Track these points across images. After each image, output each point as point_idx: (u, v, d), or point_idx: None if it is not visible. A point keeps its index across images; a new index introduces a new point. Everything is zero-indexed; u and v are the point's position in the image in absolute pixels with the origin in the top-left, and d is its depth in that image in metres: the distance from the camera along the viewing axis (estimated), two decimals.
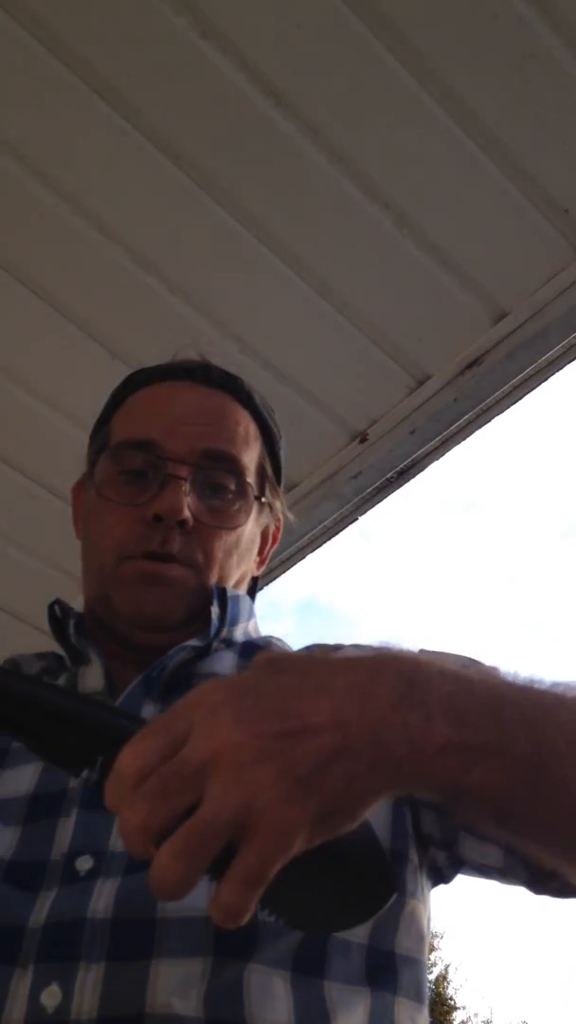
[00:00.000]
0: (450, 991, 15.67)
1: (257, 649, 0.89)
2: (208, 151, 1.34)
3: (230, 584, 0.90)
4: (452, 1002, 15.64)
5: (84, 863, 0.67)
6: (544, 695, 0.55)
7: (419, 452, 1.65)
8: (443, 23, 1.21)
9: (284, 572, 1.91)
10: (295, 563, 1.88)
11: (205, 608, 0.86)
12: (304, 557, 1.86)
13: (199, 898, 0.51)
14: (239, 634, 0.91)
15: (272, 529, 1.00)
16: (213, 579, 0.87)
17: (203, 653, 0.85)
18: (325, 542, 1.84)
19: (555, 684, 0.62)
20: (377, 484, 1.71)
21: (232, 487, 0.89)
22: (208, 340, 1.54)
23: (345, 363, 1.57)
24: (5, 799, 0.75)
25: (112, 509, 0.88)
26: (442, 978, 15.65)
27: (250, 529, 0.92)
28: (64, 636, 0.88)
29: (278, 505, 0.98)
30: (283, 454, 1.02)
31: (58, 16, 1.23)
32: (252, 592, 1.02)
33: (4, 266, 1.48)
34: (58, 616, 0.90)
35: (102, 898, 0.65)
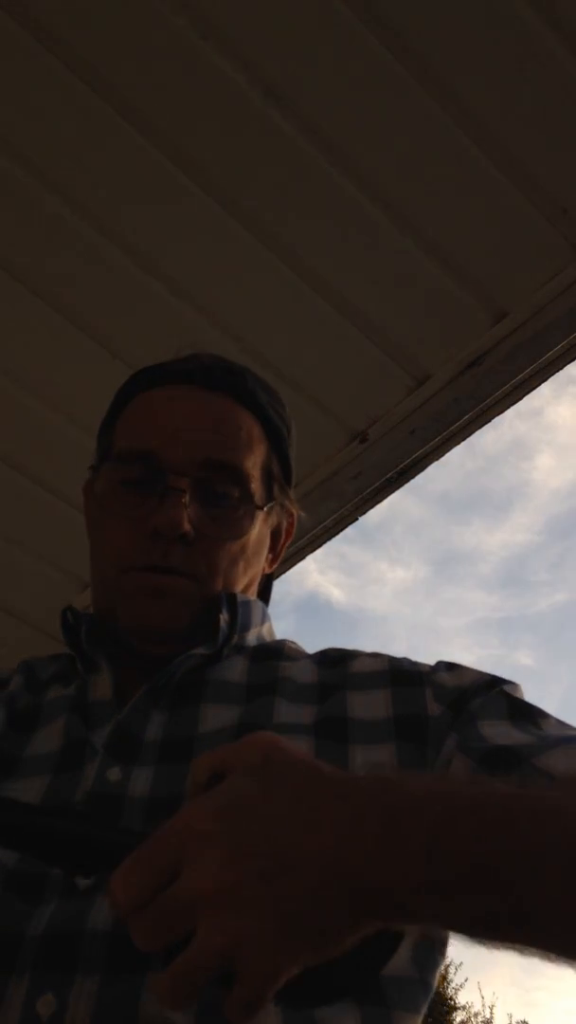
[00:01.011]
0: (450, 991, 15.66)
1: (270, 653, 0.88)
2: (208, 151, 1.34)
3: (237, 590, 0.88)
4: (452, 1002, 15.62)
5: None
6: (540, 806, 0.55)
7: (419, 452, 1.65)
8: (443, 23, 1.21)
9: (284, 572, 1.91)
10: (295, 563, 1.88)
11: (213, 617, 0.85)
12: (304, 557, 1.86)
13: None
14: (251, 639, 0.90)
15: (285, 525, 0.98)
16: (218, 588, 0.86)
17: (213, 660, 0.85)
18: (325, 542, 1.84)
19: (566, 782, 0.62)
20: (377, 484, 1.71)
21: (235, 495, 0.87)
22: (208, 340, 1.54)
23: (345, 363, 1.57)
24: None
25: (114, 520, 0.87)
26: (442, 978, 15.65)
27: (257, 533, 0.90)
28: (77, 642, 0.87)
29: (288, 502, 0.97)
30: (293, 447, 0.99)
31: (58, 16, 1.23)
32: (267, 590, 1.01)
33: (5, 267, 1.48)
34: (71, 622, 0.88)
35: (102, 912, 0.65)
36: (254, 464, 0.89)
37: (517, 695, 0.79)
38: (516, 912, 0.52)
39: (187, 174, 1.36)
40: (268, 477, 0.92)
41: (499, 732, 0.73)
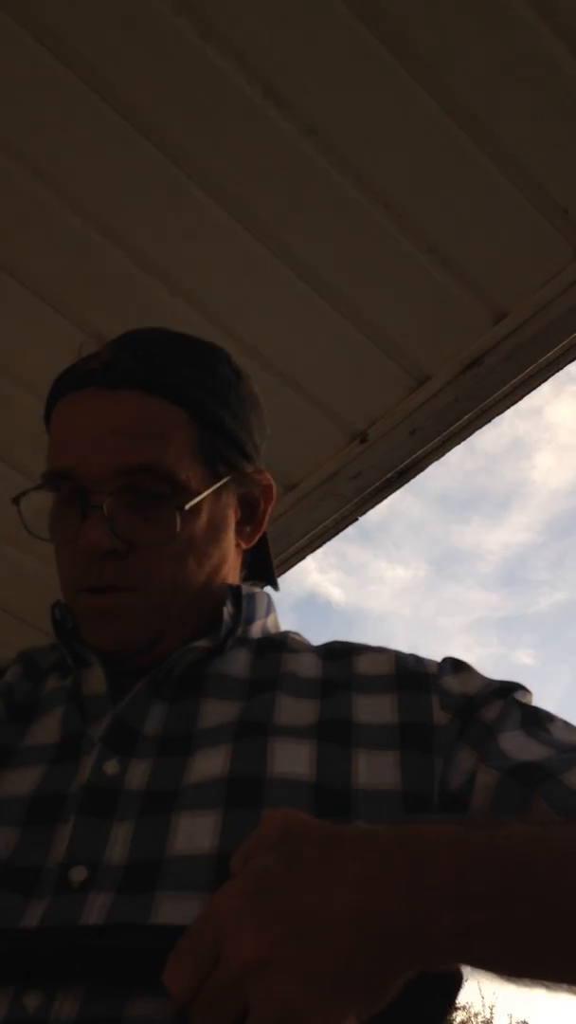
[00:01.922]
0: None
1: (273, 646, 0.88)
2: (208, 151, 1.34)
3: (196, 584, 0.85)
4: None
5: (78, 874, 0.67)
6: (559, 845, 0.57)
7: (419, 452, 1.65)
8: (443, 23, 1.21)
9: (284, 572, 1.91)
10: (295, 563, 1.88)
11: (175, 620, 0.83)
12: (304, 557, 1.86)
13: (183, 916, 0.57)
14: (256, 631, 0.89)
15: (259, 492, 0.92)
16: (169, 592, 0.83)
17: (215, 652, 0.84)
18: (325, 542, 1.84)
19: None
20: (377, 484, 1.71)
21: (164, 492, 0.82)
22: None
23: (345, 363, 1.57)
24: (6, 799, 0.74)
25: (58, 544, 0.86)
26: None
27: (205, 520, 0.85)
28: (67, 637, 0.86)
29: (247, 471, 0.90)
30: (247, 408, 0.91)
31: (58, 15, 1.23)
32: (263, 563, 0.98)
33: (5, 267, 1.49)
34: (58, 618, 0.87)
35: (93, 913, 0.65)
36: (177, 452, 0.83)
37: (527, 701, 0.79)
38: (542, 950, 0.54)
39: (187, 174, 1.36)
40: (206, 457, 0.86)
41: (518, 746, 0.73)
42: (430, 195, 1.37)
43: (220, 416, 0.87)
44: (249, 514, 0.93)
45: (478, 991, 17.33)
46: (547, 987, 0.57)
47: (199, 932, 0.54)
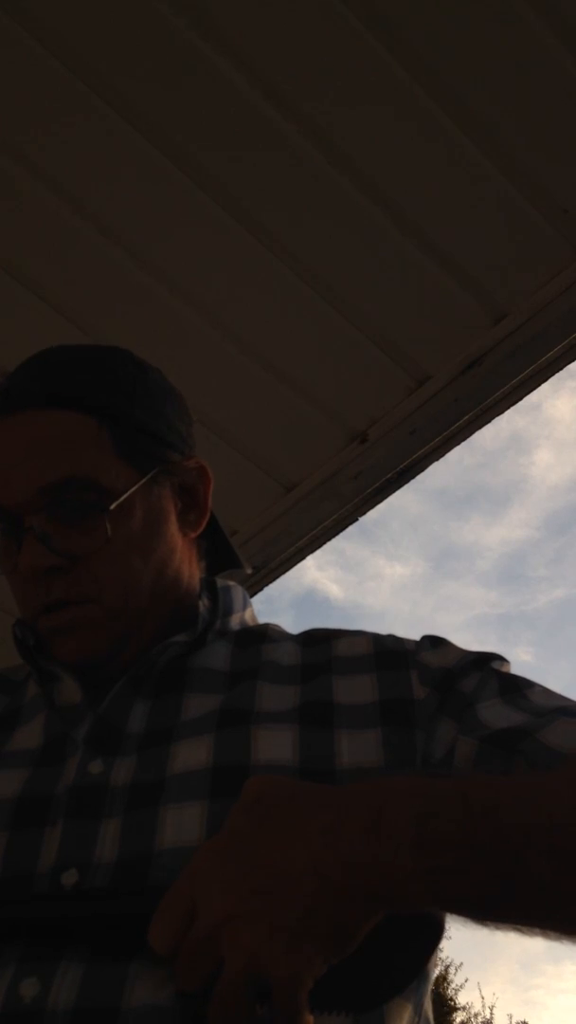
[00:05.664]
0: (450, 992, 15.67)
1: (254, 637, 0.88)
2: (208, 151, 1.34)
3: (147, 581, 0.84)
4: (452, 1002, 15.64)
5: (69, 877, 0.67)
6: (523, 791, 0.59)
7: (419, 452, 1.65)
8: (443, 23, 1.21)
9: (285, 572, 1.91)
10: (295, 563, 1.88)
11: (136, 620, 0.83)
12: (304, 557, 1.86)
13: None
14: (235, 623, 0.90)
15: (191, 478, 0.90)
16: (119, 594, 0.82)
17: (196, 646, 0.85)
18: (325, 542, 1.84)
19: (552, 766, 0.64)
20: (377, 484, 1.71)
21: (90, 499, 0.81)
22: (208, 341, 1.54)
23: (345, 363, 1.57)
24: None
25: (7, 575, 0.86)
26: (442, 978, 15.65)
27: (141, 516, 0.84)
28: (30, 656, 0.85)
29: (173, 459, 0.88)
30: (160, 396, 0.89)
31: (58, 16, 1.23)
32: (225, 550, 0.97)
33: (5, 267, 1.49)
34: (19, 637, 0.86)
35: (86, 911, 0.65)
36: (94, 458, 0.83)
37: (505, 671, 0.80)
38: (508, 893, 0.56)
39: (187, 174, 1.36)
40: (126, 455, 0.85)
41: (497, 714, 0.73)
42: (430, 195, 1.37)
43: (129, 413, 0.86)
44: (189, 502, 0.91)
45: (478, 992, 17.38)
46: (519, 931, 0.58)
47: (176, 892, 0.57)
